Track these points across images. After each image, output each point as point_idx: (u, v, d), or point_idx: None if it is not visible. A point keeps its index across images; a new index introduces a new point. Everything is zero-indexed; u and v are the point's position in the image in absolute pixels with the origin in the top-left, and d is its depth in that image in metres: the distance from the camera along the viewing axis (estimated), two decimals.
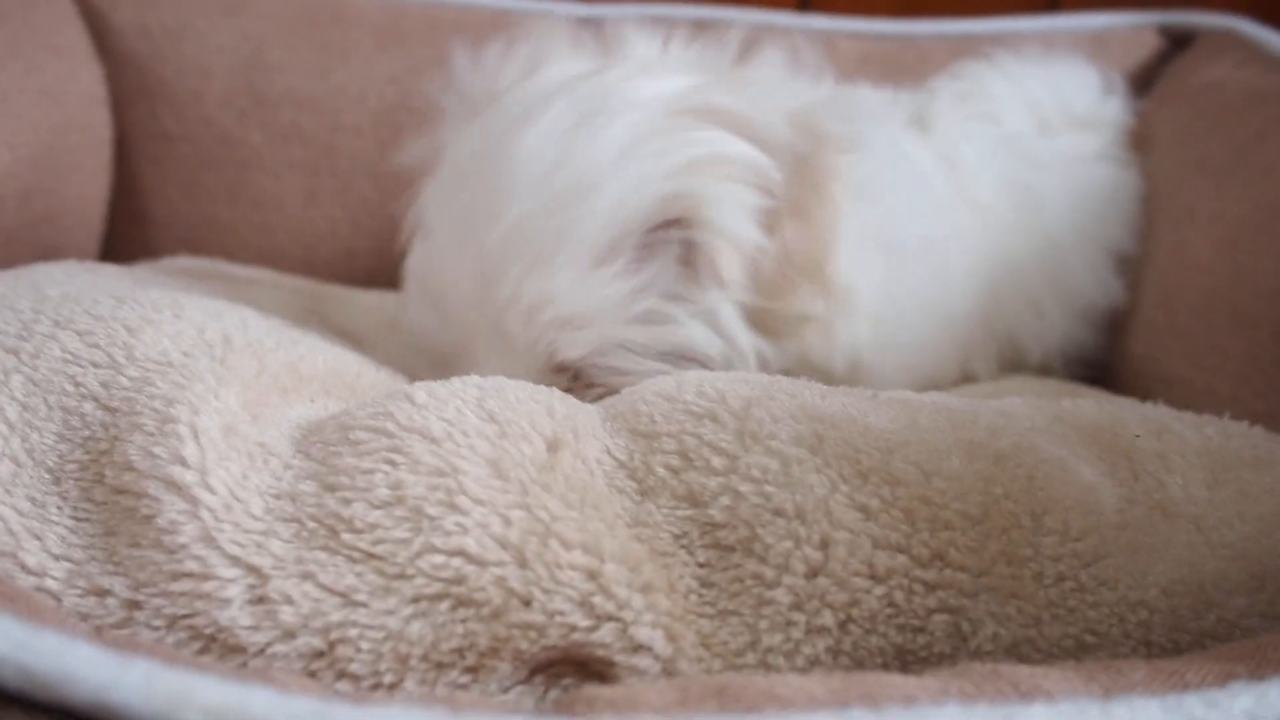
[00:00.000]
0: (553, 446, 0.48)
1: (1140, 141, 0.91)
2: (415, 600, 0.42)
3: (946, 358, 0.75)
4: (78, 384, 0.50)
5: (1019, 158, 0.83)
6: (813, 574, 0.44)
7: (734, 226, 0.58)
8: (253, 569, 0.43)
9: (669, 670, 0.43)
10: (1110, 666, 0.39)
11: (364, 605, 0.42)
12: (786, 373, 0.58)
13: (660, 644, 0.43)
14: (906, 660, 0.44)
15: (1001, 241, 0.79)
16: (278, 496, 0.45)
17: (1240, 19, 0.97)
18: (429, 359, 0.62)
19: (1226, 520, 0.47)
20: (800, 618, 0.44)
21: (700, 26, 0.82)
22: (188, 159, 0.99)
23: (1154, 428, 0.52)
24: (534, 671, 0.43)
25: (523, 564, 0.43)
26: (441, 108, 0.68)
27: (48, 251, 0.85)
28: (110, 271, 0.72)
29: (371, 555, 0.43)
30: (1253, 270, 0.71)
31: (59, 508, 0.46)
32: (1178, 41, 1.03)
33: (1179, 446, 0.50)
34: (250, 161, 0.99)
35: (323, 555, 0.43)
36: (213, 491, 0.44)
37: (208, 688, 0.31)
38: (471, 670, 0.42)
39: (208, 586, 0.42)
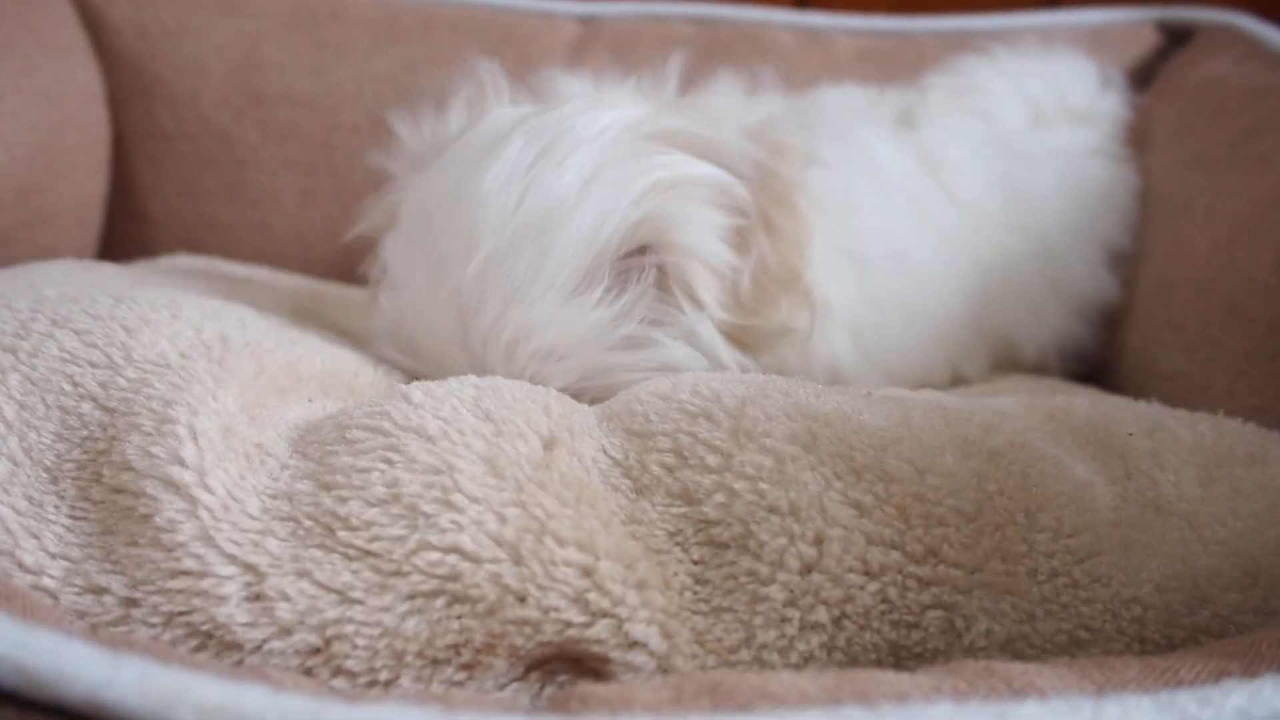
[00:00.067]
0: (548, 445, 0.48)
1: (1138, 137, 0.91)
2: (411, 597, 0.42)
3: (933, 361, 0.75)
4: (76, 384, 0.50)
5: (1008, 154, 0.83)
6: (807, 570, 0.44)
7: (704, 247, 0.58)
8: (249, 567, 0.43)
9: (664, 667, 0.43)
10: (1104, 663, 0.39)
11: (360, 602, 0.42)
12: None
13: (655, 640, 0.43)
14: (901, 656, 0.44)
15: (992, 239, 0.79)
16: (275, 496, 0.45)
17: (1240, 14, 0.97)
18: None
19: (1220, 517, 0.47)
20: (795, 614, 0.44)
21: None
22: (185, 158, 0.99)
23: (1148, 425, 0.52)
24: (530, 668, 0.43)
25: (518, 561, 0.43)
26: (388, 171, 0.67)
27: (45, 251, 0.85)
28: (108, 270, 0.72)
29: (367, 552, 0.43)
30: (1249, 265, 0.71)
31: (56, 506, 0.46)
32: (1177, 37, 1.03)
33: (1172, 444, 0.50)
34: (247, 160, 0.99)
35: (319, 553, 0.43)
36: (211, 491, 0.45)
37: (202, 686, 0.31)
38: (467, 667, 0.42)
39: (205, 584, 0.42)
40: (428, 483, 0.45)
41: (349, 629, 0.42)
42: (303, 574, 0.43)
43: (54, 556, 0.44)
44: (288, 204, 1.00)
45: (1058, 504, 0.47)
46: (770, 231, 0.59)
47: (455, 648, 0.42)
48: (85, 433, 0.48)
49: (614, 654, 0.43)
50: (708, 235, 0.58)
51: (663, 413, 0.50)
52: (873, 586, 0.44)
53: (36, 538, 0.45)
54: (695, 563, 0.45)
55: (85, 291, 0.58)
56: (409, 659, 0.42)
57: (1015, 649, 0.44)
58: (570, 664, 0.43)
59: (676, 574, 0.45)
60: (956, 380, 0.77)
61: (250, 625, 0.42)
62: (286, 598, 0.42)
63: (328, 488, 0.45)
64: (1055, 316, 0.82)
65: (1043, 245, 0.81)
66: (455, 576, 0.43)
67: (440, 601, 0.42)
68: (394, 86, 0.99)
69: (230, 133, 0.99)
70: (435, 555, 0.43)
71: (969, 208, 0.79)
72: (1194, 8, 1.03)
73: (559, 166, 0.57)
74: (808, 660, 0.44)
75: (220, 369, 0.51)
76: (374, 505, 0.44)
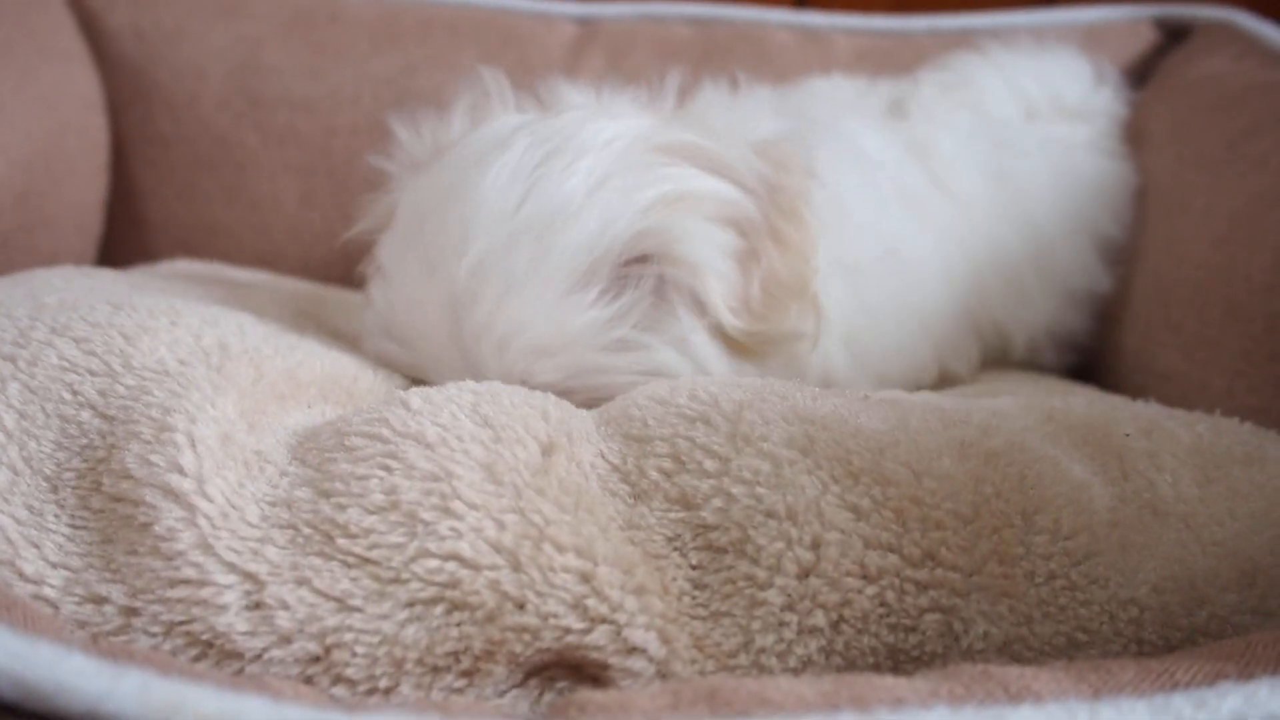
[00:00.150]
0: (547, 451, 0.48)
1: (1135, 135, 0.91)
2: (410, 604, 0.43)
3: (923, 359, 0.75)
4: (75, 392, 0.50)
5: (999, 144, 0.83)
6: (805, 575, 0.44)
7: (708, 263, 0.59)
8: (249, 575, 0.43)
9: (663, 672, 0.43)
10: (1100, 666, 0.39)
11: (359, 610, 0.42)
12: None
13: (654, 646, 0.43)
14: (899, 660, 0.44)
15: (982, 228, 0.80)
16: (274, 503, 0.45)
17: (1238, 11, 0.97)
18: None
19: (1217, 518, 0.47)
20: (793, 618, 0.44)
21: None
22: (184, 162, 0.99)
23: (1145, 426, 0.52)
24: (529, 675, 0.44)
25: (517, 567, 0.43)
26: (387, 173, 0.68)
27: (44, 256, 0.85)
28: (107, 276, 0.72)
29: (366, 560, 0.43)
30: (1246, 264, 0.71)
31: (56, 515, 0.46)
32: (1174, 34, 1.03)
33: (1170, 444, 0.51)
34: (246, 163, 0.99)
35: (318, 561, 0.43)
36: (209, 499, 0.45)
37: (202, 697, 0.31)
38: (467, 674, 0.43)
39: (204, 593, 0.43)
40: (426, 490, 0.45)
41: (348, 637, 0.42)
42: (302, 582, 0.43)
43: (54, 566, 0.44)
44: (287, 206, 1.00)
45: (1055, 505, 0.47)
46: (779, 242, 0.60)
47: (455, 655, 0.42)
48: (85, 441, 0.48)
49: (613, 660, 0.43)
50: (712, 251, 0.59)
51: (660, 417, 0.50)
52: (870, 590, 0.44)
53: (37, 547, 0.45)
54: (693, 567, 0.46)
55: (84, 299, 0.58)
56: (408, 666, 0.42)
57: (1013, 652, 0.45)
58: (569, 670, 0.44)
59: (675, 579, 0.45)
60: (945, 378, 0.78)
61: (250, 634, 0.42)
62: (286, 606, 0.42)
63: (327, 495, 0.45)
64: (1045, 304, 0.83)
65: (1032, 232, 0.82)
66: (454, 583, 0.43)
67: (439, 609, 0.42)
68: (393, 88, 0.99)
69: (229, 136, 0.99)
70: (434, 562, 0.43)
71: (959, 196, 0.79)
72: (1192, 5, 1.03)
73: (565, 170, 0.58)
74: (806, 664, 0.44)
75: (219, 376, 0.51)
76: (373, 512, 0.44)
